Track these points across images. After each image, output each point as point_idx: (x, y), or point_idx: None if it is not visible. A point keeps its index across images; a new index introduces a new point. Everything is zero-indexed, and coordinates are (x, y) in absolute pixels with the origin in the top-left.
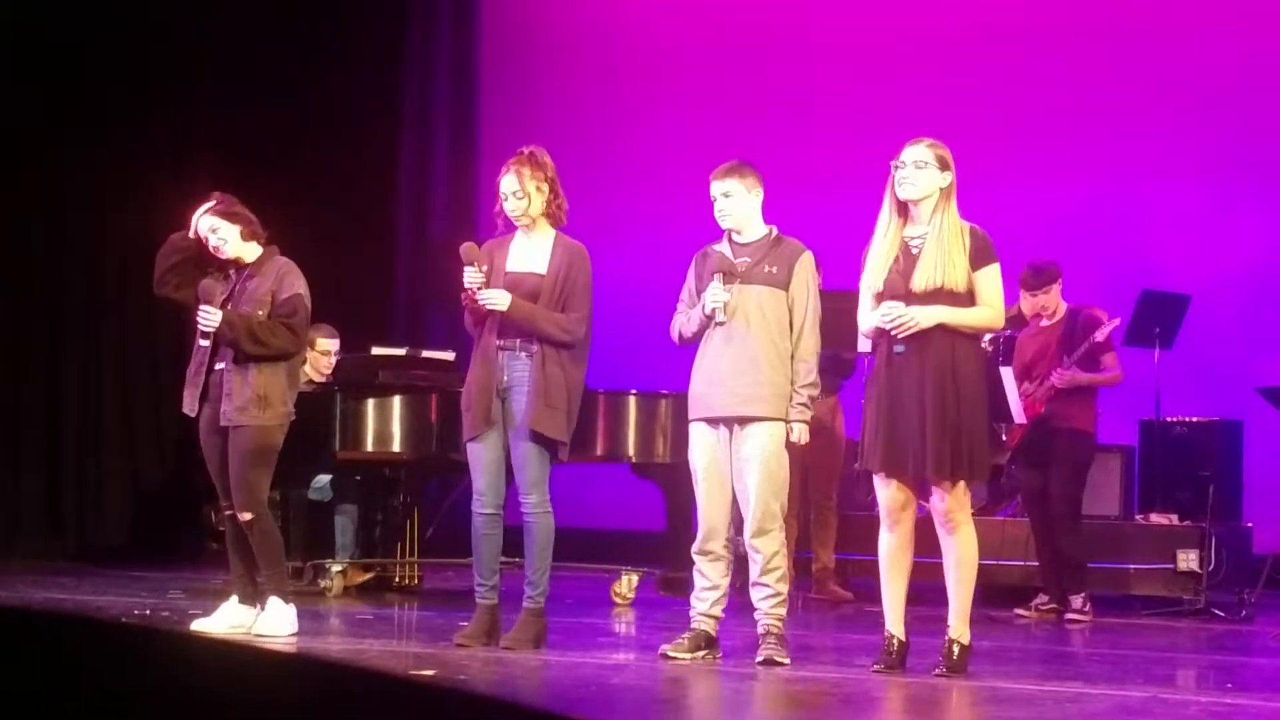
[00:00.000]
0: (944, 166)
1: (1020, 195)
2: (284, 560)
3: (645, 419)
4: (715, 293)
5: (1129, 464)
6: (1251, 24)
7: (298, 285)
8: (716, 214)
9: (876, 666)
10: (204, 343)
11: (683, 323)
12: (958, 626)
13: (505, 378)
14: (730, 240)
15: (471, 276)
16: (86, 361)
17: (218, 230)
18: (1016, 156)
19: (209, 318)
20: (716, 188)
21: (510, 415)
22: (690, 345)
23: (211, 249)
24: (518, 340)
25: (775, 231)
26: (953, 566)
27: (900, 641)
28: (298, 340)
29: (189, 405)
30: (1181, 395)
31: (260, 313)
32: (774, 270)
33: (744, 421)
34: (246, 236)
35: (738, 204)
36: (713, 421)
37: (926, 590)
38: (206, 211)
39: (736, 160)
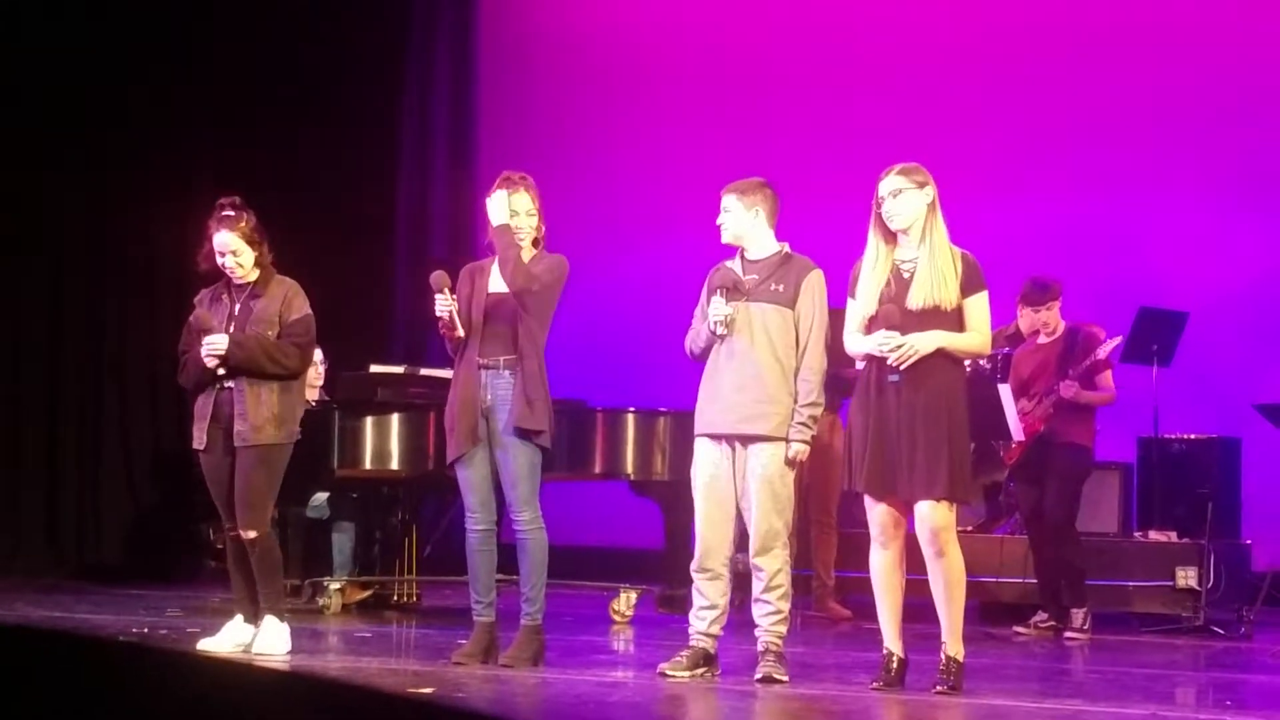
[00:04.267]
0: (920, 185)
1: (1019, 212)
2: (282, 579)
3: (644, 436)
4: (716, 308)
5: (1127, 481)
6: (1250, 40)
7: (306, 307)
8: (718, 225)
9: (876, 684)
10: (212, 363)
11: (692, 339)
12: (952, 643)
13: (489, 396)
14: (741, 257)
15: (442, 304)
16: (85, 380)
17: (239, 255)
18: (1015, 173)
19: (215, 347)
20: (721, 202)
21: (495, 434)
22: (701, 361)
23: (223, 267)
24: (500, 359)
25: (787, 249)
26: (942, 588)
27: (899, 659)
28: (306, 361)
29: (199, 440)
30: (1180, 412)
31: (270, 333)
32: (780, 288)
33: (747, 440)
34: (258, 262)
35: (734, 220)
36: (715, 438)
37: (923, 607)
38: (228, 229)
39: (751, 178)
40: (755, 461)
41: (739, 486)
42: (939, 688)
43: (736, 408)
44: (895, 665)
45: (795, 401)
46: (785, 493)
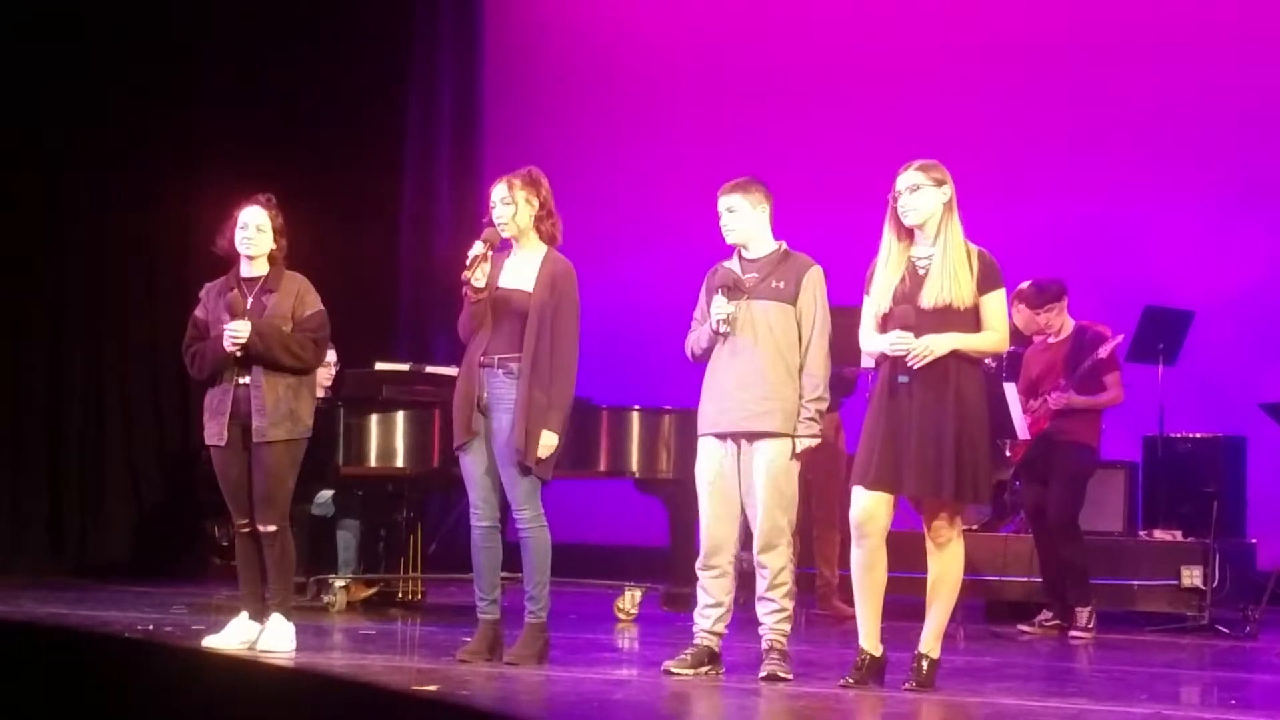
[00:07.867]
0: (939, 183)
1: (1025, 212)
2: (294, 577)
3: (649, 434)
4: (719, 307)
5: (1132, 480)
6: (1255, 42)
7: (318, 303)
8: (721, 229)
9: (844, 681)
10: (230, 347)
11: (694, 340)
12: (929, 641)
13: (485, 394)
14: (739, 256)
15: (477, 249)
16: (88, 376)
17: (262, 231)
18: (1021, 174)
19: (238, 334)
20: (722, 203)
21: (492, 432)
22: (703, 362)
23: (238, 240)
24: (497, 358)
25: (784, 247)
26: (935, 582)
27: (871, 657)
28: (320, 356)
29: (218, 435)
30: (1185, 411)
31: (285, 328)
32: (781, 285)
33: (752, 437)
34: (274, 255)
35: (741, 219)
36: (721, 436)
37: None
38: (258, 205)
39: (745, 177)
40: (760, 458)
41: (743, 484)
42: (907, 684)
43: (741, 406)
44: (865, 663)
45: (801, 397)
46: (790, 490)
